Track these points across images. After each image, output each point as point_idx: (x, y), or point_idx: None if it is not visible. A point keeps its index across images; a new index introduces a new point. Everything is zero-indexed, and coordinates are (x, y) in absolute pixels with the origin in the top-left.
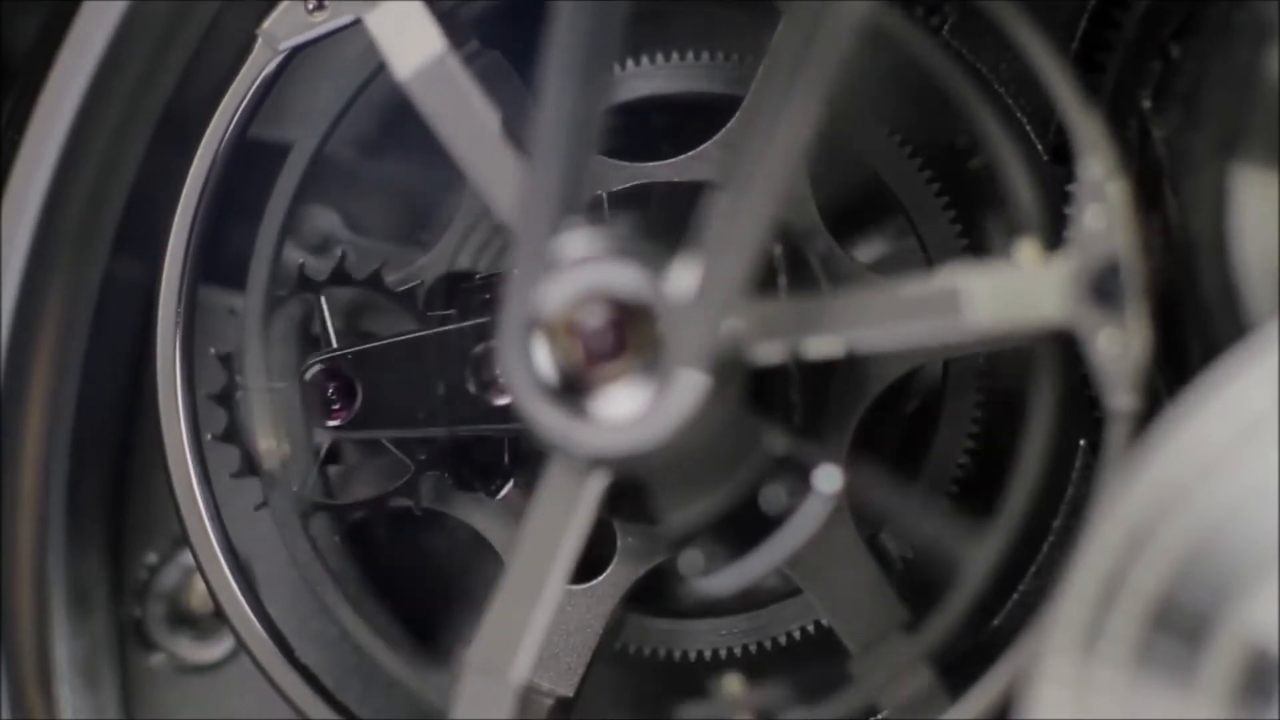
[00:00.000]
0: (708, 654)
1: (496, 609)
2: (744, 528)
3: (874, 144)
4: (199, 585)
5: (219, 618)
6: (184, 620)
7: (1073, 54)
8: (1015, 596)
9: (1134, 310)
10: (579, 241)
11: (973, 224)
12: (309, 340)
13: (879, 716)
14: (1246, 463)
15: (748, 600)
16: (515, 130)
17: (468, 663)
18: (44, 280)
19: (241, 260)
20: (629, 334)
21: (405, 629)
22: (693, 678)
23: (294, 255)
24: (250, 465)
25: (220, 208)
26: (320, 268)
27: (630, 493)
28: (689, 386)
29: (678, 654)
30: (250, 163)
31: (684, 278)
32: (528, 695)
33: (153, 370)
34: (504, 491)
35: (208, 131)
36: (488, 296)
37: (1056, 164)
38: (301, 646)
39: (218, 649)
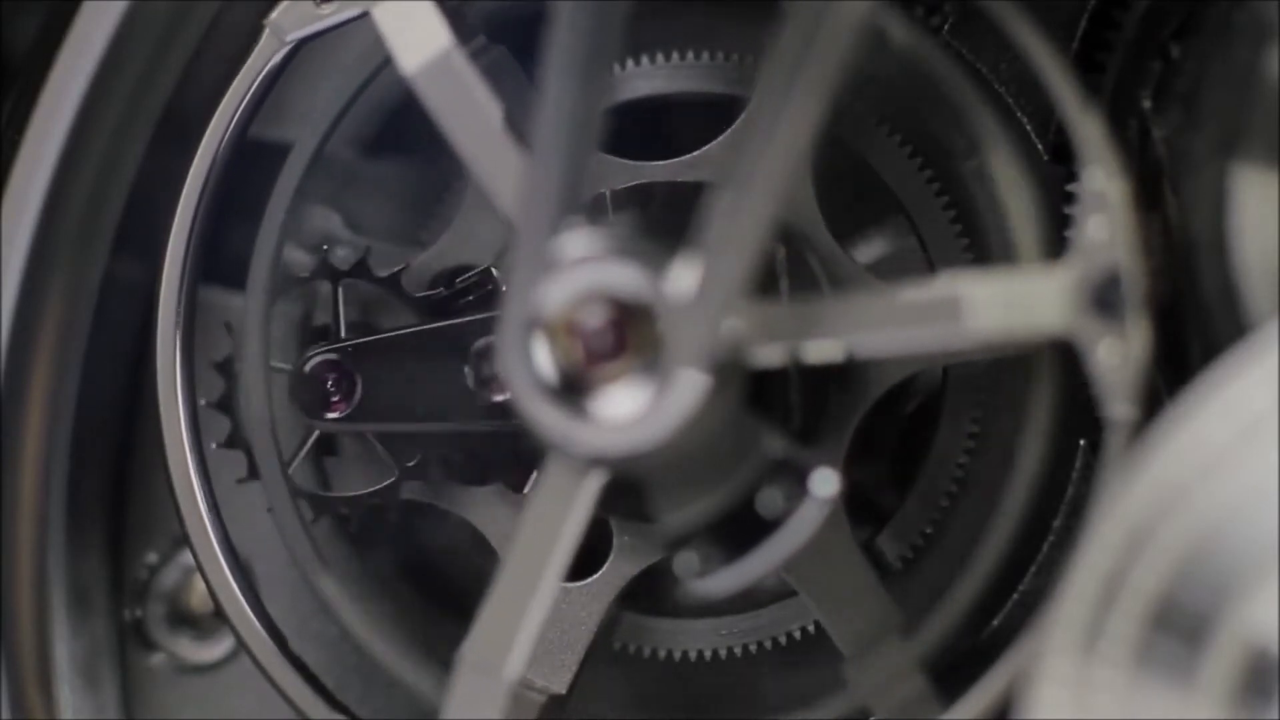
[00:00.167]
0: (707, 654)
1: (491, 606)
2: (740, 530)
3: (874, 144)
4: (199, 585)
5: (219, 618)
6: (184, 620)
7: (1073, 54)
8: (1015, 596)
9: (1134, 321)
10: (579, 241)
11: (973, 224)
12: (309, 335)
13: None
14: (1246, 463)
15: (748, 600)
16: (520, 126)
17: (462, 659)
18: (44, 280)
19: (241, 260)
20: (629, 334)
21: (405, 629)
22: (691, 678)
23: (294, 255)
24: (254, 469)
25: (220, 208)
26: (346, 258)
27: (627, 491)
28: (689, 386)
29: (677, 654)
30: (250, 163)
31: (684, 278)
32: (521, 692)
33: (153, 370)
34: (499, 485)
35: (210, 126)
36: (489, 289)
37: (1056, 164)
38: (301, 646)
39: (218, 649)
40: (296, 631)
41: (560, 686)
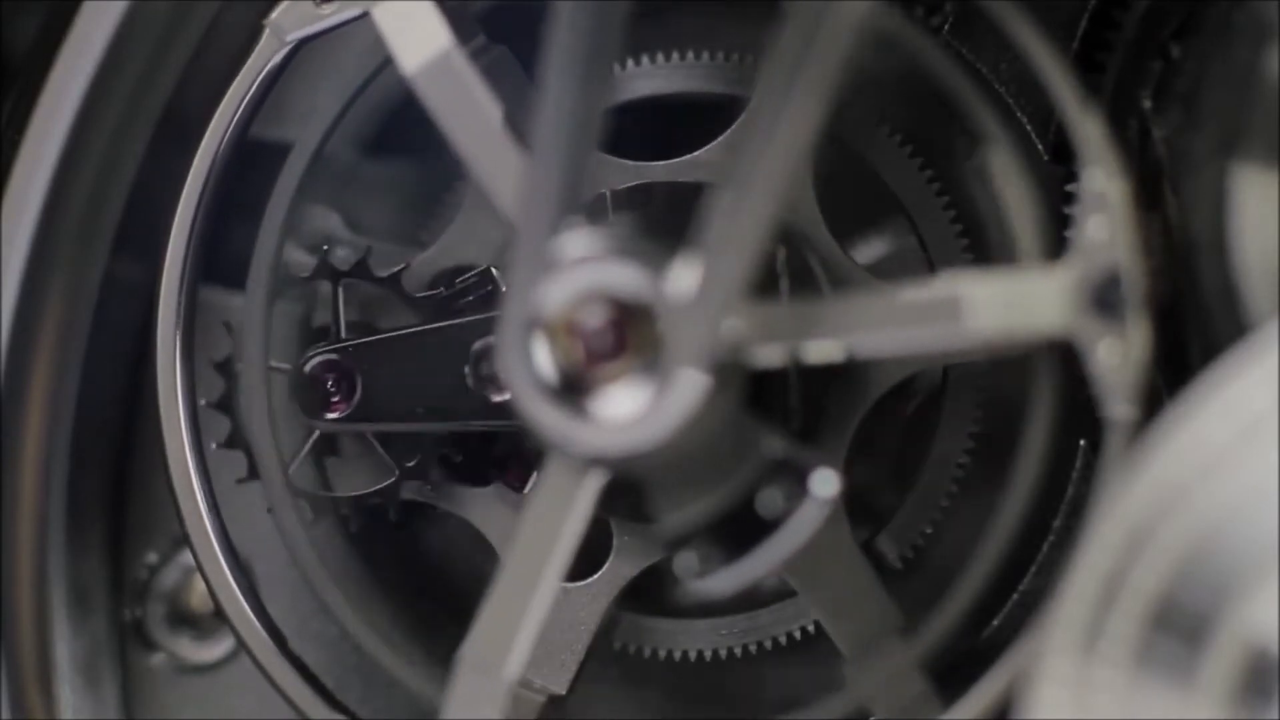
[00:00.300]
0: (707, 654)
1: (491, 606)
2: (740, 530)
3: (874, 144)
4: (199, 585)
5: (219, 618)
6: (184, 620)
7: (1073, 54)
8: (1015, 596)
9: (1134, 321)
10: (579, 241)
11: (973, 224)
12: (309, 335)
13: None
14: (1246, 463)
15: (748, 600)
16: (520, 126)
17: (462, 659)
18: (44, 280)
19: (242, 260)
20: (629, 334)
21: (405, 629)
22: (691, 678)
23: (294, 255)
24: (254, 469)
25: (220, 208)
26: (346, 258)
27: (627, 491)
28: (689, 386)
29: (677, 654)
30: (250, 163)
31: (684, 278)
32: (520, 692)
33: (153, 370)
34: (499, 486)
35: (210, 126)
36: (489, 289)
37: (1056, 164)
38: (301, 646)
39: (218, 649)
40: (296, 631)
41: (560, 687)
